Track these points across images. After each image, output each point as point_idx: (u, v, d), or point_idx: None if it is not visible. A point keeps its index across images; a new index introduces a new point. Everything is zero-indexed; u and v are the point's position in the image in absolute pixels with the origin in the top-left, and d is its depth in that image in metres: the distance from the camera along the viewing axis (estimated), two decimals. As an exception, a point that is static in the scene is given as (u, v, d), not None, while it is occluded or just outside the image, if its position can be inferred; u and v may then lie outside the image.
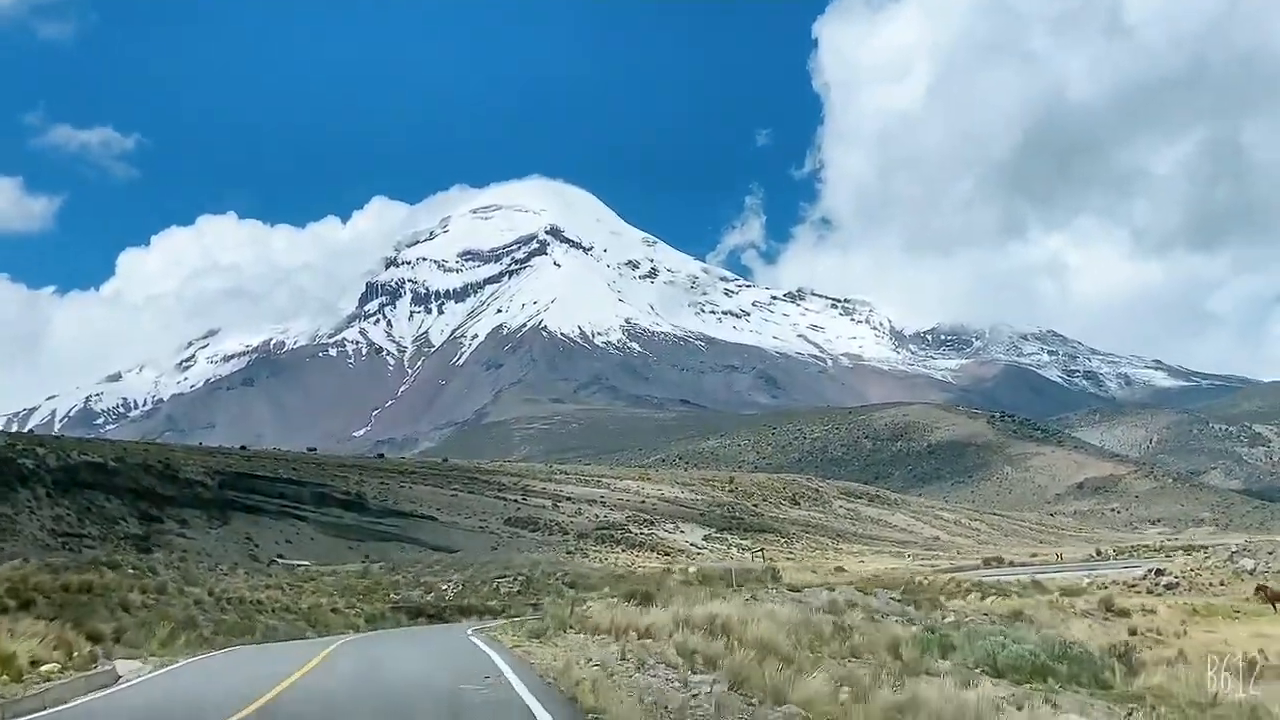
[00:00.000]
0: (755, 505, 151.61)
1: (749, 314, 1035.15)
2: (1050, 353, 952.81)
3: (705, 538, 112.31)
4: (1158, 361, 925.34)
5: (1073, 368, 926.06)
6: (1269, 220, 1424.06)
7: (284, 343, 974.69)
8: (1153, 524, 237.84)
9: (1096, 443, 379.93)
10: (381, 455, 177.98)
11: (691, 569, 61.90)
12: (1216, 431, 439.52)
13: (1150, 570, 48.39)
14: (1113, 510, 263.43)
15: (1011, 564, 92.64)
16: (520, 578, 50.95)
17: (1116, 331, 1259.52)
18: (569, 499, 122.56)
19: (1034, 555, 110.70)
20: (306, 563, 59.97)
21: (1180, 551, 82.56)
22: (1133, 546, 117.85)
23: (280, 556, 76.95)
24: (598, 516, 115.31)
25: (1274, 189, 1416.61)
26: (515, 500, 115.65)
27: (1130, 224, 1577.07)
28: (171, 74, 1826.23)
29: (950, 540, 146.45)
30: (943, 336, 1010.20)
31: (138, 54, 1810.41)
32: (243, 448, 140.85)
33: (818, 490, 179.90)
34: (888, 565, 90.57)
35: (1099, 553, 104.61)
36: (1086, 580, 49.59)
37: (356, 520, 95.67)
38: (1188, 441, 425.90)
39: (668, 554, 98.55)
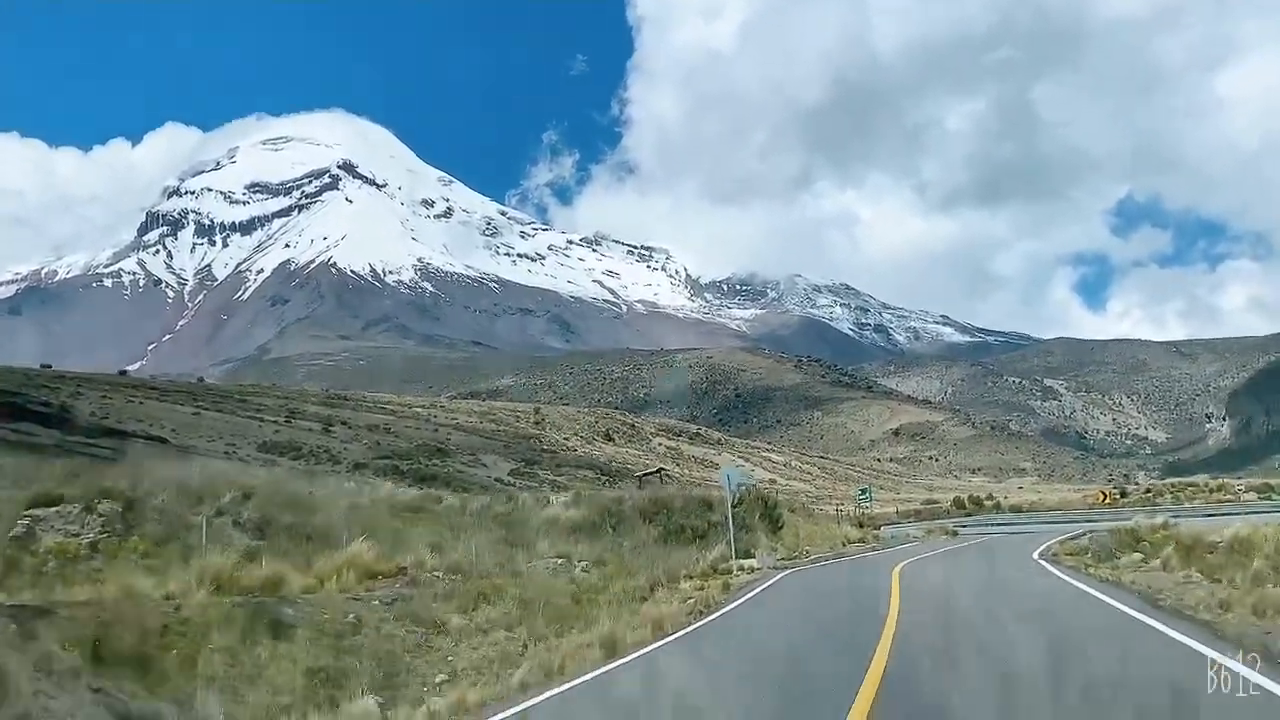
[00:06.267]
0: (566, 439, 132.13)
1: (544, 258, 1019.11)
2: (843, 305, 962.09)
3: (512, 473, 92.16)
4: (945, 317, 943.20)
5: (864, 320, 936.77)
6: (1050, 181, 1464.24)
7: (56, 271, 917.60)
8: (973, 472, 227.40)
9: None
10: (123, 372, 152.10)
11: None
12: (1010, 385, 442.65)
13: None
14: (930, 457, 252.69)
15: (999, 506, 77.08)
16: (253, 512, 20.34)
17: (905, 286, 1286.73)
18: (344, 424, 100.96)
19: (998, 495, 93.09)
20: None
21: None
22: (1173, 487, 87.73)
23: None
24: (379, 444, 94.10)
25: (1057, 149, 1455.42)
26: (275, 423, 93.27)
27: (919, 179, 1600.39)
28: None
29: (787, 484, 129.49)
30: (738, 286, 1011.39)
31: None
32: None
33: (634, 426, 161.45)
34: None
35: (1123, 493, 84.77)
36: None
37: (58, 439, 71.95)
38: (983, 394, 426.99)
39: (466, 490, 78.23)
